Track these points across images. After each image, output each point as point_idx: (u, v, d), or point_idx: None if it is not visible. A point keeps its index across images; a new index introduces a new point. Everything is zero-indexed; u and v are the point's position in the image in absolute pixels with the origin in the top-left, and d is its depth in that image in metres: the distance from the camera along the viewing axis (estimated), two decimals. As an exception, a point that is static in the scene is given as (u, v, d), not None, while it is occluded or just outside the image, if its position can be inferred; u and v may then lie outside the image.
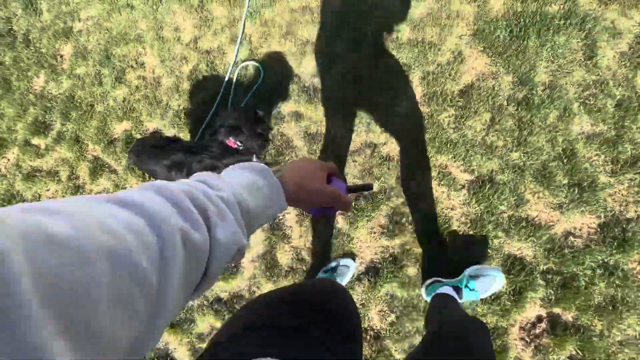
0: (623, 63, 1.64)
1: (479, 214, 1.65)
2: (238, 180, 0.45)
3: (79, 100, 2.21)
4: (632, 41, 1.64)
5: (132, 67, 2.18)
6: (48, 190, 2.17)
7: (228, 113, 1.61)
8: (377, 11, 1.91)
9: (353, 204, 1.65)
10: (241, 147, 1.60)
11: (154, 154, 1.58)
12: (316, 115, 1.88)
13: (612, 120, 1.60)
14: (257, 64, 2.00)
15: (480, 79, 1.75)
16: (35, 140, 2.23)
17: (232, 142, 1.59)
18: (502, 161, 1.67)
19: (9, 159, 2.27)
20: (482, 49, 1.77)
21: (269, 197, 0.46)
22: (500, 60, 1.74)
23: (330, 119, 1.87)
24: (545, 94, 1.67)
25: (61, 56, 2.32)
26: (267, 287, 1.78)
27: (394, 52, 1.85)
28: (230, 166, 0.50)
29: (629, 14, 1.66)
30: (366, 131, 1.81)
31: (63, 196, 2.11)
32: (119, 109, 2.13)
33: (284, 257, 1.79)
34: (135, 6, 2.23)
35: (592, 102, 1.63)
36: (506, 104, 1.70)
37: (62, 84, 2.26)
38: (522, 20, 1.74)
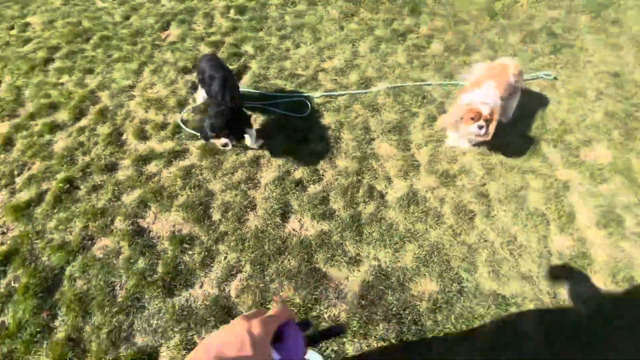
0: None
1: None
2: None
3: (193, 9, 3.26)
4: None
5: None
6: None
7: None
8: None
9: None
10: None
11: (215, 65, 2.25)
12: (274, 161, 2.25)
13: None
14: (309, 105, 2.52)
15: (339, 282, 1.80)
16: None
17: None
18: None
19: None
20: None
21: None
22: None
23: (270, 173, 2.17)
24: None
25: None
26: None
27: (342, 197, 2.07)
28: None
29: None
30: (297, 222, 2.02)
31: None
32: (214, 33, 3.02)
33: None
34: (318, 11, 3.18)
35: None
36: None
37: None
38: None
